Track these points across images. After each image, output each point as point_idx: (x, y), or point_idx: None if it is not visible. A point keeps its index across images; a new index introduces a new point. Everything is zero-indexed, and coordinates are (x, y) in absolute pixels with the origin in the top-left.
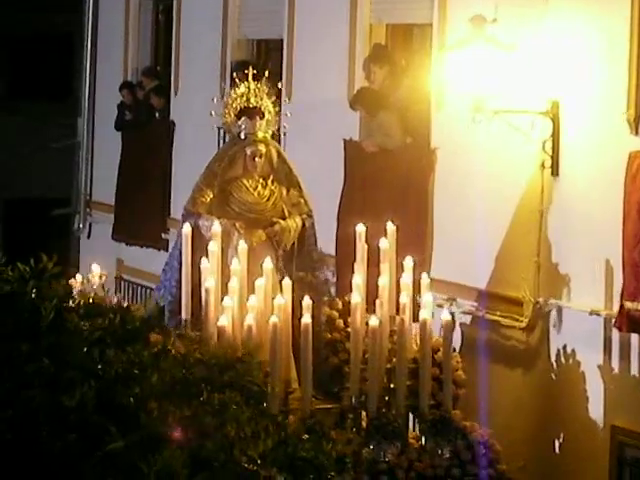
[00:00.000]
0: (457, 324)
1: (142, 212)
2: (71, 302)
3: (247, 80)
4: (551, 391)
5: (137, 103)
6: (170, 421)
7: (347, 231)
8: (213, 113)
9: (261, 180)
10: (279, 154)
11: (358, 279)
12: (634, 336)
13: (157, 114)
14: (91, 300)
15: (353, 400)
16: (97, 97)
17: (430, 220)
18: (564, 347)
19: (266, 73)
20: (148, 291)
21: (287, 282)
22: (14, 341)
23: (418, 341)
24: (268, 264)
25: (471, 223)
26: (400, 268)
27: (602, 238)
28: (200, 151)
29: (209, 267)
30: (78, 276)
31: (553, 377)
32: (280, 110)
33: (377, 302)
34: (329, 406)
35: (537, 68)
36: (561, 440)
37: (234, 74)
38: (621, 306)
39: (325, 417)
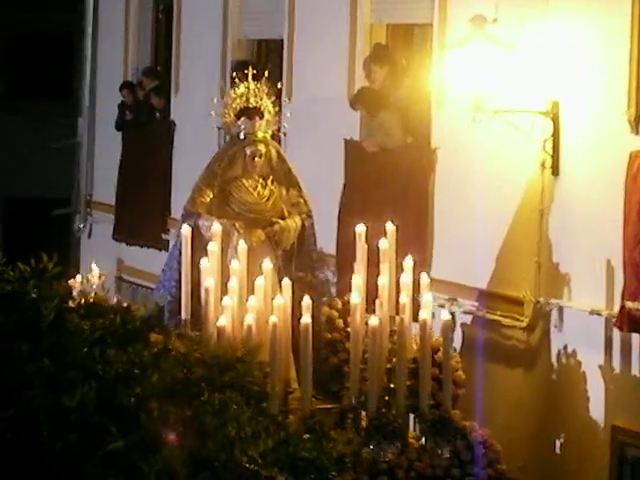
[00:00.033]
0: (458, 324)
1: (142, 212)
2: (71, 302)
3: (247, 80)
4: (552, 391)
5: (137, 103)
6: (171, 421)
7: (347, 231)
8: (213, 113)
9: (261, 180)
10: (279, 154)
11: (358, 279)
12: (635, 336)
13: (157, 114)
14: (91, 300)
15: (353, 400)
16: (97, 97)
17: (430, 219)
18: (565, 347)
19: (266, 73)
20: (148, 291)
21: (287, 282)
22: (14, 341)
23: (418, 341)
24: (268, 264)
25: (471, 222)
26: (400, 268)
27: (603, 238)
28: (200, 151)
29: (209, 267)
30: (78, 276)
31: (554, 377)
32: (280, 110)
33: (377, 302)
34: (329, 406)
35: (537, 67)
36: (561, 440)
37: (234, 74)
38: (622, 306)
39: (325, 417)
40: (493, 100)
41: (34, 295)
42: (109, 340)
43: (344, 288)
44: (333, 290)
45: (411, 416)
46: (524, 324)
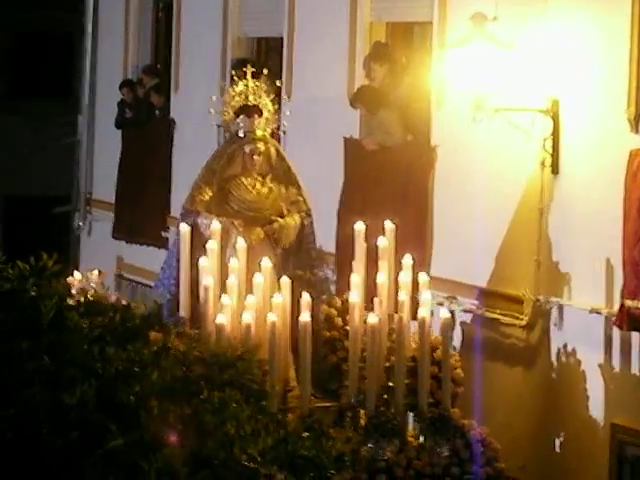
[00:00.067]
0: (457, 322)
1: (142, 210)
2: (71, 300)
3: (246, 78)
4: (551, 389)
5: (137, 101)
6: (170, 419)
7: (347, 229)
8: (212, 111)
9: (260, 178)
10: (278, 152)
11: (357, 277)
12: (634, 334)
13: (157, 112)
14: (91, 298)
15: (352, 398)
16: (97, 95)
17: (430, 218)
18: (564, 345)
19: (265, 71)
20: (148, 289)
21: (286, 280)
22: (14, 339)
23: (417, 339)
24: (267, 262)
25: (471, 221)
26: (399, 266)
27: (602, 236)
28: (200, 149)
29: (208, 265)
30: (77, 274)
31: (553, 375)
32: (280, 108)
33: (376, 300)
34: (328, 404)
35: (537, 66)
36: (561, 438)
37: (233, 72)
38: (621, 304)
39: (324, 415)
40: (493, 98)
41: (34, 293)
42: (109, 338)
43: (344, 286)
44: (333, 288)
45: (410, 414)
46: (524, 322)
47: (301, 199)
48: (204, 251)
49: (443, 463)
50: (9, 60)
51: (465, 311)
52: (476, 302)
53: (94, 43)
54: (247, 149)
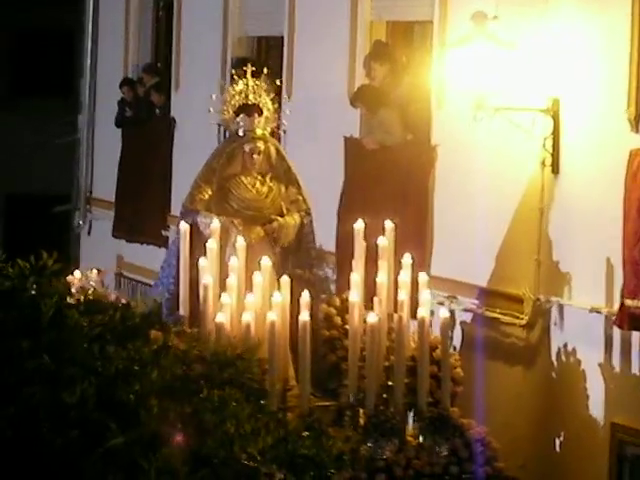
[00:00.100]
0: (457, 321)
1: (142, 209)
2: (71, 299)
3: (246, 77)
4: (551, 389)
5: (137, 100)
6: (170, 418)
7: (347, 228)
8: (212, 110)
9: (259, 177)
10: (278, 151)
11: (356, 277)
12: (634, 334)
13: (157, 111)
14: (91, 297)
15: (351, 397)
16: (97, 94)
17: (430, 217)
18: (564, 345)
19: (265, 70)
20: (148, 288)
21: (285, 279)
22: (14, 338)
23: (416, 338)
24: (266, 261)
25: (471, 220)
26: (399, 265)
27: (602, 236)
28: (200, 148)
29: (207, 264)
30: (77, 273)
31: (553, 375)
32: (280, 107)
33: (375, 299)
34: (327, 403)
35: (538, 65)
36: (561, 438)
37: (233, 71)
38: (621, 304)
39: (323, 414)
40: (493, 98)
41: (34, 292)
42: (109, 337)
43: (343, 285)
44: (333, 287)
45: (409, 414)
46: (524, 322)
47: (301, 198)
48: (204, 250)
49: (442, 462)
50: (9, 59)
51: (465, 310)
52: (476, 301)
53: (94, 42)
54: (247, 148)
